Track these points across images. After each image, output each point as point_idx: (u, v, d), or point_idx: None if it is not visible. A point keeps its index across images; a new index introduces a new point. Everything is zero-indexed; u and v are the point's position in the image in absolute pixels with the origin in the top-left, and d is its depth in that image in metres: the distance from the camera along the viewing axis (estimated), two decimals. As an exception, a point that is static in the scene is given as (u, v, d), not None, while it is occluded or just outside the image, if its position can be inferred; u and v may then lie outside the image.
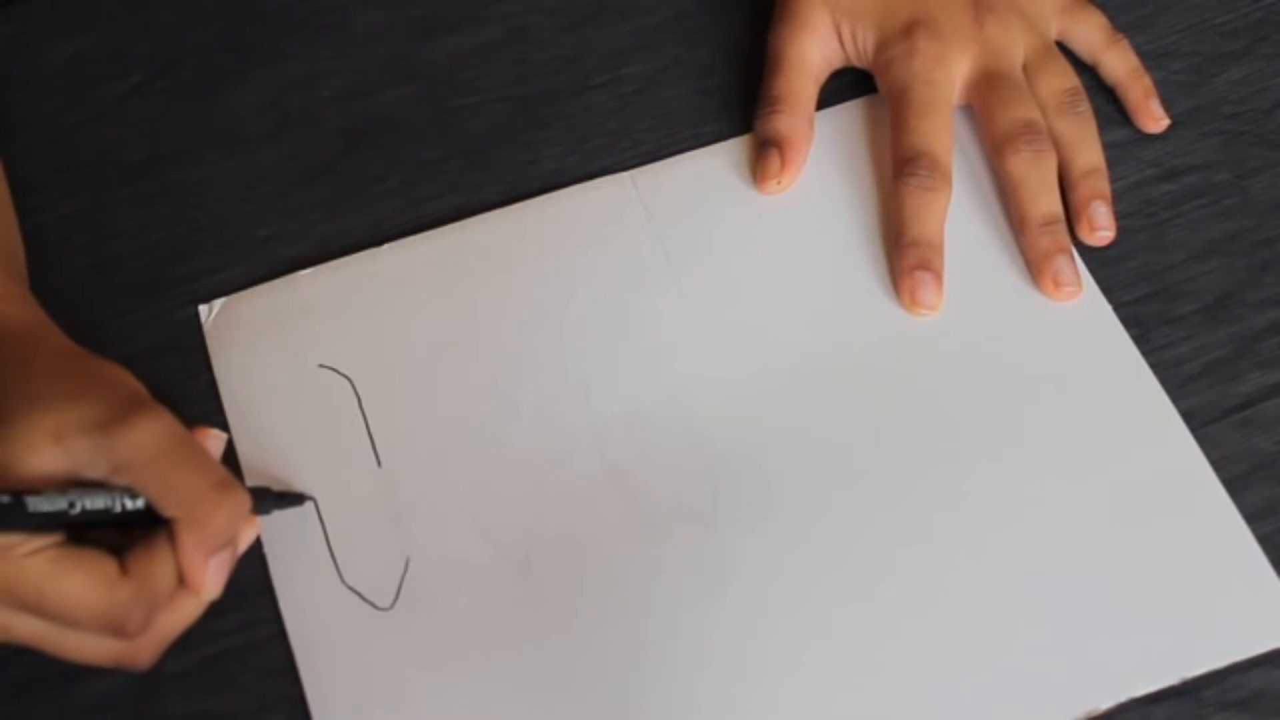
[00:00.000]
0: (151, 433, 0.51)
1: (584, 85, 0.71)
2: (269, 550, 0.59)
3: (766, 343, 0.63)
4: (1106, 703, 0.55)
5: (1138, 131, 0.68)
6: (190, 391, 0.63)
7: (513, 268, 0.65)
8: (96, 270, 0.66)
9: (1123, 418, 0.61)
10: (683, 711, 0.56)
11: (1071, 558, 0.58)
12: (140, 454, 0.51)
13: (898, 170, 0.65)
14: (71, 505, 0.50)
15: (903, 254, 0.64)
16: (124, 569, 0.51)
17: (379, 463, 0.61)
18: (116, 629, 0.50)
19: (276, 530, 0.59)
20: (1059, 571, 0.57)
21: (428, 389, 0.62)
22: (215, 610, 0.58)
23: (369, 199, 0.68)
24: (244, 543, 0.55)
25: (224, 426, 0.61)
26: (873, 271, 0.65)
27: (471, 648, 0.57)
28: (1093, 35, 0.69)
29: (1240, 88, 0.69)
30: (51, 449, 0.50)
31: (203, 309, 0.65)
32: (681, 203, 0.67)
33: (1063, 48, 0.69)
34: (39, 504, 0.49)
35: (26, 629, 0.51)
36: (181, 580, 0.52)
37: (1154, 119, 0.68)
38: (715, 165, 0.68)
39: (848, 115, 0.69)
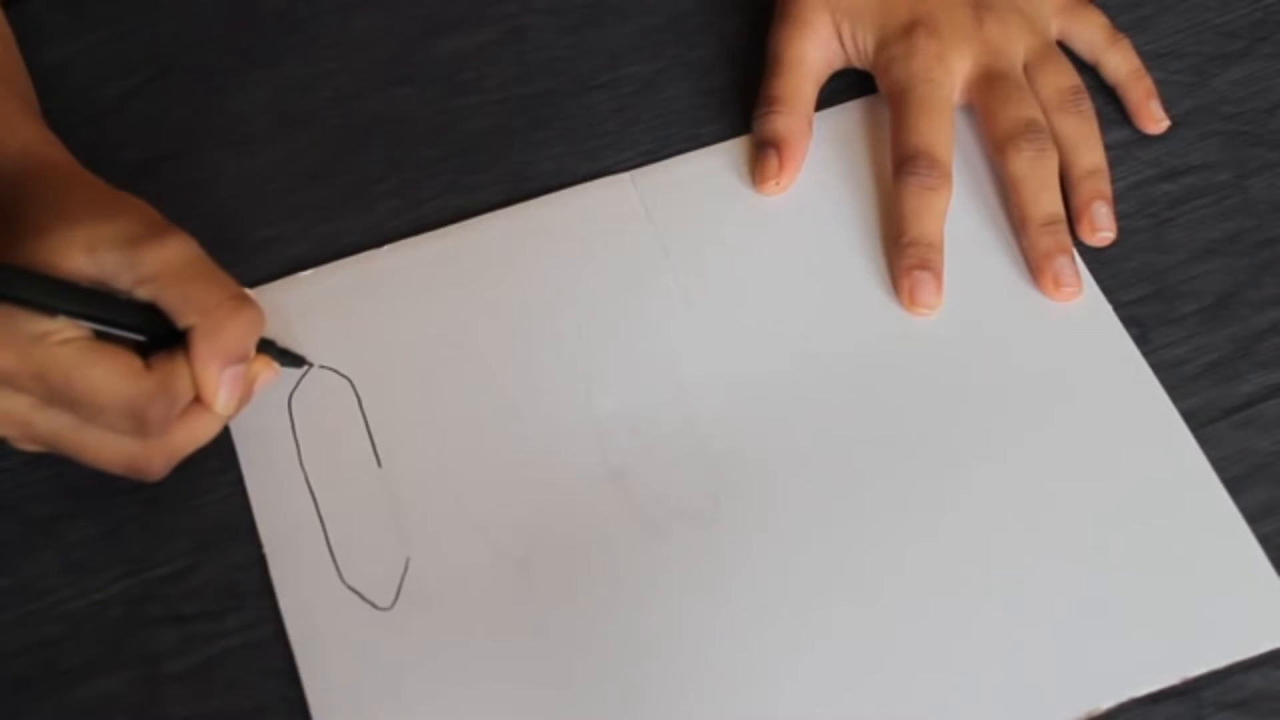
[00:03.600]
0: (175, 251, 0.55)
1: (584, 85, 0.71)
2: (269, 550, 0.59)
3: (766, 342, 0.63)
4: (1106, 703, 0.55)
5: (1138, 131, 0.68)
6: (190, 391, 0.63)
7: (513, 268, 0.65)
8: (96, 270, 0.66)
9: (1123, 418, 0.61)
10: (682, 711, 0.56)
11: (1072, 558, 0.58)
12: (163, 268, 0.54)
13: (898, 169, 0.65)
14: (89, 315, 0.54)
15: (902, 253, 0.64)
16: (148, 365, 0.54)
17: (379, 463, 0.61)
18: (138, 420, 0.54)
19: (277, 530, 0.59)
20: (1059, 571, 0.57)
21: (428, 389, 0.62)
22: (215, 610, 0.58)
23: (369, 199, 0.68)
24: (262, 381, 0.59)
25: (224, 426, 0.61)
26: (872, 271, 0.65)
27: (471, 648, 0.57)
28: (1093, 35, 0.69)
29: (1240, 88, 0.69)
30: (83, 258, 0.54)
31: (203, 309, 0.65)
32: (681, 203, 0.67)
33: (1064, 48, 0.69)
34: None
35: (48, 424, 0.55)
36: (196, 391, 0.55)
37: (1154, 120, 0.68)
38: (715, 165, 0.68)
39: (848, 115, 0.69)
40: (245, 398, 0.58)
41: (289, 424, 0.62)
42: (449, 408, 0.62)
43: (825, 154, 0.68)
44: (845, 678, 0.56)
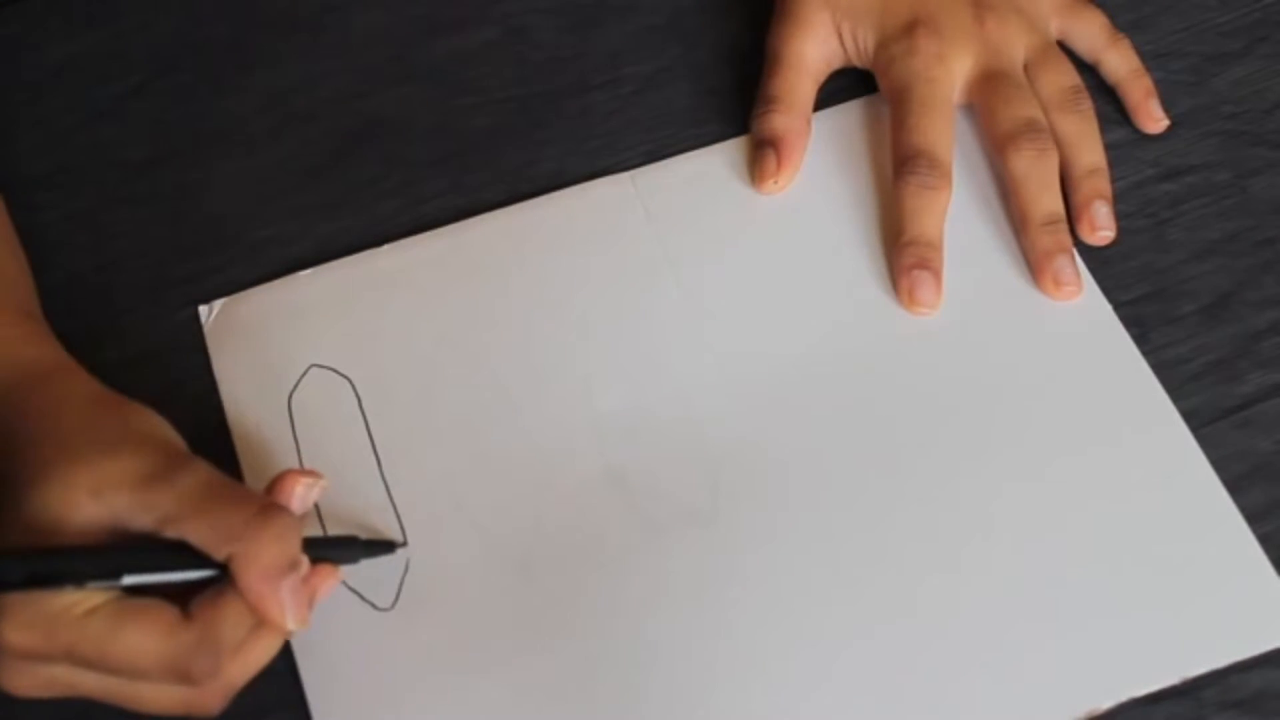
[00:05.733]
0: (190, 482, 0.51)
1: (584, 85, 0.71)
2: (269, 550, 0.59)
3: (766, 342, 0.63)
4: (1106, 703, 0.55)
5: (1138, 131, 0.68)
6: (190, 392, 0.63)
7: (512, 268, 0.65)
8: (97, 270, 0.66)
9: (1123, 418, 0.61)
10: (682, 709, 0.55)
11: (1071, 557, 0.58)
12: (183, 504, 0.50)
13: (898, 169, 0.65)
14: (117, 575, 0.49)
15: (902, 253, 0.64)
16: (188, 615, 0.50)
17: (379, 463, 0.61)
18: (182, 675, 0.50)
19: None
20: (1059, 571, 0.57)
21: (428, 389, 0.62)
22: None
23: (369, 199, 0.68)
24: (324, 592, 0.54)
25: (224, 427, 0.61)
26: (872, 271, 0.65)
27: (471, 648, 0.57)
28: (1093, 34, 0.69)
29: (1240, 88, 0.69)
30: (91, 505, 0.50)
31: (203, 309, 0.65)
32: (681, 203, 0.67)
33: (1064, 47, 0.69)
34: (87, 577, 0.49)
35: (93, 684, 0.51)
36: (258, 618, 0.51)
37: (1154, 119, 0.68)
38: (715, 165, 0.68)
39: (847, 115, 0.69)
40: (309, 608, 0.52)
41: (289, 424, 0.62)
42: (449, 407, 0.62)
43: (825, 154, 0.68)
44: (844, 676, 0.56)
